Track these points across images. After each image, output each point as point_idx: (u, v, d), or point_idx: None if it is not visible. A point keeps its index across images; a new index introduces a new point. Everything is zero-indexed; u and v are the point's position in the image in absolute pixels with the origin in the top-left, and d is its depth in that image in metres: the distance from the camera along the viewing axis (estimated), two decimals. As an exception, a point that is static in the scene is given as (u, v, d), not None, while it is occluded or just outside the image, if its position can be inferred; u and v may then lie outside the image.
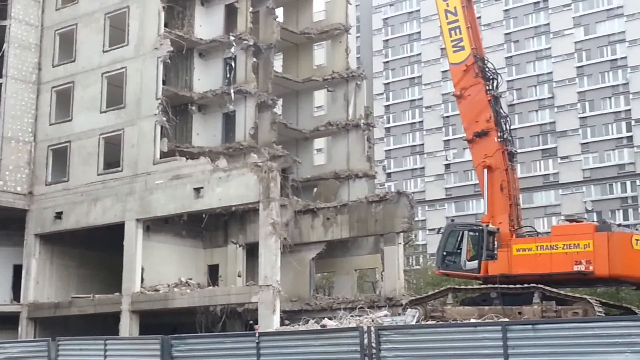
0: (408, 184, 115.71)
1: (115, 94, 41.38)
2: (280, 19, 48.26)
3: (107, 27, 42.57)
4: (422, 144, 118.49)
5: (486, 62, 31.96)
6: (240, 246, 40.53)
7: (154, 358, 19.58)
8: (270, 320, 33.50)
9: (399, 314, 28.54)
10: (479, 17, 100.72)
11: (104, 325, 38.89)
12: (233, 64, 43.21)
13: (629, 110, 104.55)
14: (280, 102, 47.62)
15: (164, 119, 39.46)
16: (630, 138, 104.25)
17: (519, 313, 26.07)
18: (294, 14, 49.68)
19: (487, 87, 31.29)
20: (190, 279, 39.40)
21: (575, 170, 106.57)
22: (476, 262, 29.01)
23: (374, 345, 16.79)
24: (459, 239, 29.78)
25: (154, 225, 40.08)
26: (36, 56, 44.60)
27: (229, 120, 42.90)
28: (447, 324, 24.70)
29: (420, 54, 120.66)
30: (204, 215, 39.29)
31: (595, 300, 25.93)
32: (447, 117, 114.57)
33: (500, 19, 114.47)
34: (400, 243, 39.61)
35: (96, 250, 42.42)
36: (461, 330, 16.85)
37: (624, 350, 14.24)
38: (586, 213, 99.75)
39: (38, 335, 40.89)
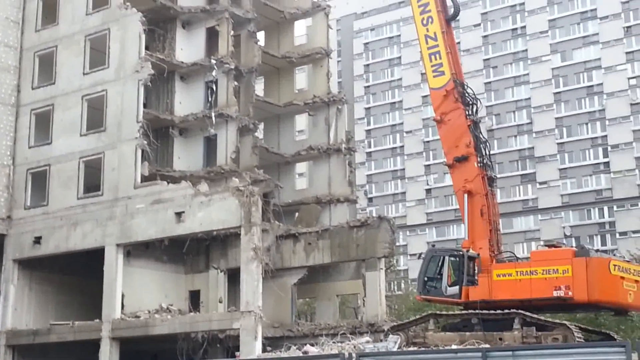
0: (389, 208, 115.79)
1: (95, 117, 41.08)
2: (262, 42, 48.34)
3: (88, 49, 42.31)
4: (403, 169, 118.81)
5: (466, 87, 32.13)
6: (221, 271, 40.25)
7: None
8: (252, 347, 33.27)
9: (381, 340, 28.44)
10: (458, 43, 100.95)
11: (83, 352, 38.47)
12: (214, 88, 43.10)
13: (606, 136, 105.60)
14: (261, 126, 47.61)
15: (145, 142, 39.20)
16: (607, 164, 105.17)
17: (500, 339, 26.08)
18: (275, 37, 49.73)
19: (467, 112, 31.42)
20: (171, 305, 39.07)
21: (554, 196, 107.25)
22: (457, 287, 29.00)
23: (357, 371, 16.70)
24: (439, 264, 29.79)
25: (135, 250, 39.70)
26: (15, 78, 44.18)
27: (211, 144, 42.72)
28: (428, 350, 24.68)
29: (400, 78, 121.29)
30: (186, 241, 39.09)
31: (575, 325, 26.02)
32: (428, 142, 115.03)
33: (479, 44, 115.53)
34: (381, 268, 39.51)
35: (75, 276, 41.87)
36: (442, 356, 16.88)
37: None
38: (565, 238, 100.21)
39: (16, 364, 40.41)
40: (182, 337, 37.80)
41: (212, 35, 44.11)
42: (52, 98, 42.79)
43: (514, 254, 33.27)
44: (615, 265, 27.13)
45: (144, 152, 39.47)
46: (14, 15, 44.69)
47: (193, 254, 41.10)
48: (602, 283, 26.53)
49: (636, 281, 27.65)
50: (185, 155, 42.88)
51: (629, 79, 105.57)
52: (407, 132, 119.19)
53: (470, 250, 29.44)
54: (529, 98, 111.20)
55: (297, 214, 46.41)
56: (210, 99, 43.09)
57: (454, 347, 23.74)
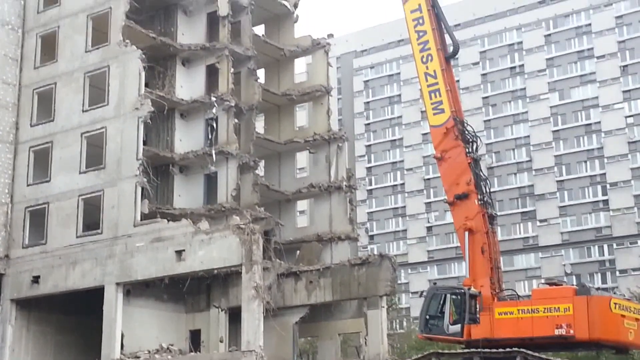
0: (390, 246, 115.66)
1: (94, 155, 40.83)
2: (262, 80, 48.24)
3: (87, 86, 42.15)
4: (404, 207, 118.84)
5: (466, 124, 32.38)
6: (222, 310, 39.82)
7: None
8: (253, 387, 32.87)
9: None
10: (458, 81, 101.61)
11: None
12: (214, 125, 42.94)
13: (604, 174, 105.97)
14: (262, 163, 47.37)
15: (145, 180, 38.90)
16: (606, 202, 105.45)
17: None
18: (276, 75, 49.74)
19: (467, 150, 31.73)
20: (172, 345, 38.49)
21: (554, 233, 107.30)
22: (459, 325, 28.98)
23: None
24: (441, 302, 29.81)
25: (135, 289, 39.23)
26: (14, 115, 43.92)
27: (211, 182, 42.50)
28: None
29: (401, 116, 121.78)
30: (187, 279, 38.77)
31: (576, 364, 25.87)
32: (429, 179, 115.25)
33: (478, 82, 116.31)
34: (383, 306, 39.30)
35: (74, 316, 41.42)
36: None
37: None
38: (565, 276, 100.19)
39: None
40: (183, 377, 37.33)
41: (212, 73, 44.09)
42: (51, 135, 42.56)
43: (515, 291, 33.30)
44: (616, 304, 27.15)
45: (144, 190, 39.17)
46: (12, 52, 44.59)
47: (194, 292, 40.68)
48: (603, 321, 26.52)
49: (637, 319, 27.63)
50: (186, 193, 42.65)
51: (626, 117, 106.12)
52: (407, 170, 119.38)
53: (472, 288, 29.49)
54: (528, 136, 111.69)
55: (298, 252, 46.15)
56: (210, 136, 42.94)
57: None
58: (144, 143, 40.46)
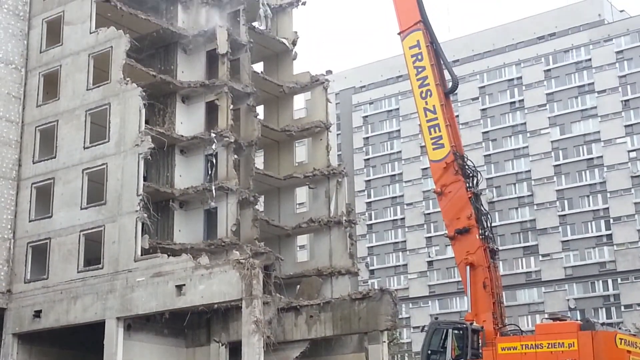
0: (391, 281, 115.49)
1: (95, 190, 41.10)
2: (261, 116, 48.66)
3: (88, 123, 42.46)
4: (405, 241, 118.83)
5: (466, 159, 32.34)
6: (223, 345, 39.78)
7: None
8: (253, 423, 32.75)
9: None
10: (457, 116, 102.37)
11: None
12: (214, 161, 43.19)
13: (607, 208, 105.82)
14: (261, 198, 47.54)
15: (145, 215, 39.10)
16: (609, 236, 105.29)
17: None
18: (275, 111, 50.11)
19: (467, 185, 31.62)
20: (172, 379, 38.59)
21: (557, 268, 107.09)
22: (461, 361, 28.74)
23: None
24: (443, 337, 29.60)
25: (135, 324, 39.27)
26: (16, 152, 44.32)
27: (211, 217, 42.67)
28: None
29: (400, 151, 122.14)
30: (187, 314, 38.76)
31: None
32: (429, 214, 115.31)
33: (477, 117, 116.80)
34: (384, 341, 39.28)
35: (76, 350, 41.35)
36: None
37: None
38: (569, 311, 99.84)
39: None
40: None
41: (211, 109, 44.40)
42: (53, 172, 42.84)
43: (518, 327, 33.12)
44: (621, 339, 26.97)
45: (144, 225, 39.35)
46: (15, 90, 45.09)
47: (194, 327, 40.70)
48: (608, 357, 26.31)
49: (643, 355, 27.38)
50: (186, 228, 42.80)
51: (628, 151, 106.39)
52: (407, 205, 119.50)
53: (474, 323, 29.28)
54: (529, 170, 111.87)
55: (298, 287, 46.12)
56: (210, 172, 43.14)
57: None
58: (145, 179, 40.66)
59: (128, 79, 41.25)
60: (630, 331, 41.45)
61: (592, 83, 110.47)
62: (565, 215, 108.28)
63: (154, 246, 40.28)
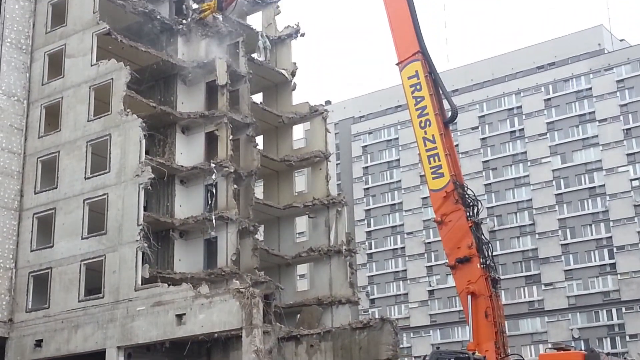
0: (392, 310, 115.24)
1: (96, 220, 41.35)
2: (261, 146, 48.91)
3: (89, 154, 42.80)
4: (405, 270, 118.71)
5: (466, 188, 32.45)
6: (223, 374, 39.84)
7: None
8: None
9: None
10: (457, 145, 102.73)
11: None
12: (214, 191, 43.37)
13: (611, 237, 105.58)
14: (261, 228, 47.78)
15: (146, 245, 39.29)
16: (613, 265, 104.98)
17: None
18: (274, 141, 50.46)
19: (468, 214, 31.71)
20: (172, 409, 38.52)
21: (560, 297, 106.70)
22: (464, 391, 28.71)
23: None
24: (445, 367, 29.57)
25: (136, 353, 39.31)
26: (18, 183, 44.64)
27: (211, 247, 42.86)
28: None
29: (400, 180, 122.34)
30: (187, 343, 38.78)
31: None
32: (429, 243, 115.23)
33: (477, 147, 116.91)
34: (385, 371, 39.11)
35: (76, 379, 41.50)
36: None
37: None
38: (573, 341, 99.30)
39: None
40: None
41: (211, 140, 44.72)
42: (54, 202, 43.14)
43: (521, 356, 33.10)
44: (627, 369, 26.95)
45: (145, 255, 39.53)
46: (17, 122, 45.51)
47: (194, 356, 40.60)
48: (614, 387, 26.25)
49: (648, 385, 27.35)
50: (186, 258, 42.97)
51: (631, 180, 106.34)
52: (407, 234, 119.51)
53: (476, 353, 29.30)
54: (530, 199, 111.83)
55: (298, 316, 46.22)
56: (210, 202, 43.35)
57: None
58: (145, 209, 40.88)
59: (128, 110, 41.64)
60: (635, 361, 41.37)
61: (593, 112, 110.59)
62: (567, 244, 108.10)
63: (155, 275, 40.43)
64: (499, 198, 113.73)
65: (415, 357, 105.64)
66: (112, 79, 42.48)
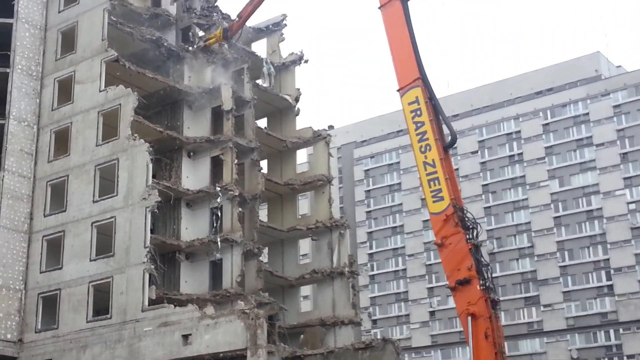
0: (394, 330, 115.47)
1: (104, 243, 42.01)
2: (265, 170, 49.49)
3: (97, 178, 43.50)
4: (407, 291, 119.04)
5: (465, 212, 32.81)
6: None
7: None
8: None
9: None
10: (457, 169, 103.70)
11: None
12: (219, 214, 43.89)
13: (608, 259, 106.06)
14: (265, 250, 48.28)
15: (152, 266, 39.93)
16: (610, 287, 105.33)
17: None
18: (278, 165, 51.09)
19: (468, 236, 31.95)
20: None
21: (559, 318, 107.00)
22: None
23: None
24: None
25: (142, 373, 39.96)
26: (28, 206, 45.39)
27: (216, 268, 43.38)
28: None
29: (401, 203, 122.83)
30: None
31: None
32: (430, 265, 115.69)
33: (477, 170, 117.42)
34: (387, 391, 39.54)
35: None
36: None
37: None
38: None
39: None
40: None
41: (216, 164, 45.32)
42: (63, 225, 43.85)
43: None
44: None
45: (152, 276, 40.14)
46: (28, 147, 46.31)
47: (200, 376, 41.18)
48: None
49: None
50: (192, 279, 43.47)
51: (628, 203, 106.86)
52: (409, 256, 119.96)
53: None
54: (529, 222, 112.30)
55: (302, 336, 46.51)
56: (215, 224, 43.84)
57: None
58: (152, 231, 41.56)
59: (136, 135, 42.39)
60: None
61: (591, 136, 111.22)
62: (566, 266, 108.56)
63: (161, 297, 40.94)
64: (498, 221, 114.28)
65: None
66: (120, 104, 43.30)
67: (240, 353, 37.40)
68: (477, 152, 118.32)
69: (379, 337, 52.00)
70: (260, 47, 53.27)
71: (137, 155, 42.13)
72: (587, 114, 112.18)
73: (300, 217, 50.52)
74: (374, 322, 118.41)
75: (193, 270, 43.78)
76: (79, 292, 41.93)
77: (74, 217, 43.66)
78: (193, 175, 45.37)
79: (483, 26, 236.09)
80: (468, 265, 31.29)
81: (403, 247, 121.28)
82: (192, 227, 44.33)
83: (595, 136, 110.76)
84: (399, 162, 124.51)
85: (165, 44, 46.93)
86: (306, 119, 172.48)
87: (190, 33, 48.39)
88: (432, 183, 33.26)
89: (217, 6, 50.01)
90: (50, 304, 43.06)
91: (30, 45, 47.59)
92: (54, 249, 43.95)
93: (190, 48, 47.64)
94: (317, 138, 50.57)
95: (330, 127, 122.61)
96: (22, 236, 44.62)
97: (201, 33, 48.65)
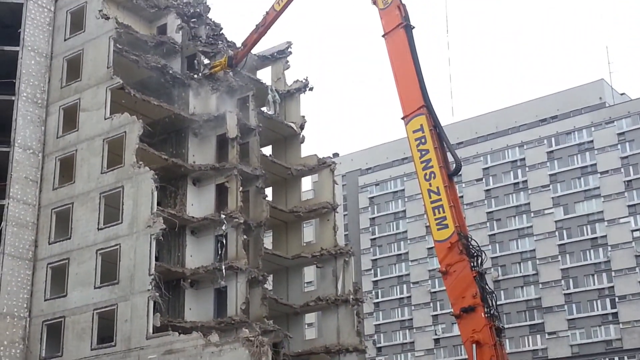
0: (398, 358, 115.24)
1: (109, 270, 41.93)
2: (270, 197, 49.64)
3: (102, 205, 43.48)
4: (411, 319, 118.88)
5: (470, 239, 32.80)
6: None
7: None
8: None
9: None
10: (461, 197, 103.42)
11: None
12: (224, 241, 43.94)
13: (613, 287, 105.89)
14: (270, 277, 48.25)
15: (157, 294, 39.82)
16: (615, 314, 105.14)
17: None
18: (283, 193, 51.18)
19: (472, 264, 31.95)
20: None
21: (564, 346, 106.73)
22: None
23: None
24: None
25: (147, 401, 39.81)
26: (33, 234, 45.32)
27: (221, 296, 43.36)
28: None
29: (406, 231, 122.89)
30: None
31: None
32: (435, 292, 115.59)
33: (482, 198, 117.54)
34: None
35: None
36: None
37: None
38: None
39: None
40: None
41: (221, 191, 45.40)
42: (68, 252, 43.79)
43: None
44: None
45: (156, 304, 40.04)
46: (33, 174, 46.31)
47: (204, 404, 41.03)
48: None
49: None
50: (196, 307, 43.45)
51: (632, 231, 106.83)
52: (413, 283, 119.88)
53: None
54: (534, 250, 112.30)
55: (306, 364, 46.61)
56: (220, 252, 43.89)
57: None
58: (156, 259, 41.53)
59: (141, 162, 42.42)
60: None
61: (595, 164, 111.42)
62: (570, 293, 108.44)
63: (166, 324, 40.85)
64: (503, 248, 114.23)
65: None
66: (125, 132, 43.35)
67: (245, 381, 37.43)
68: (481, 179, 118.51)
69: (383, 365, 51.93)
70: (265, 75, 53.75)
71: (142, 183, 42.11)
72: (592, 141, 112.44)
73: (305, 244, 50.59)
74: (379, 349, 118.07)
75: (198, 297, 43.79)
76: (84, 320, 41.78)
77: (79, 244, 43.59)
78: (198, 203, 45.42)
79: (487, 53, 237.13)
80: (473, 293, 31.28)
81: (408, 275, 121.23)
82: (196, 254, 44.35)
83: (599, 164, 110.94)
84: (403, 190, 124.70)
85: (170, 71, 47.16)
86: (311, 147, 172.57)
87: (195, 61, 48.60)
88: (436, 211, 33.31)
89: (222, 34, 50.26)
90: (54, 331, 42.89)
91: (35, 73, 47.81)
92: (59, 276, 43.84)
93: (195, 76, 47.84)
94: (322, 165, 50.76)
95: (335, 154, 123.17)
96: (27, 264, 44.56)
97: (206, 61, 48.84)
